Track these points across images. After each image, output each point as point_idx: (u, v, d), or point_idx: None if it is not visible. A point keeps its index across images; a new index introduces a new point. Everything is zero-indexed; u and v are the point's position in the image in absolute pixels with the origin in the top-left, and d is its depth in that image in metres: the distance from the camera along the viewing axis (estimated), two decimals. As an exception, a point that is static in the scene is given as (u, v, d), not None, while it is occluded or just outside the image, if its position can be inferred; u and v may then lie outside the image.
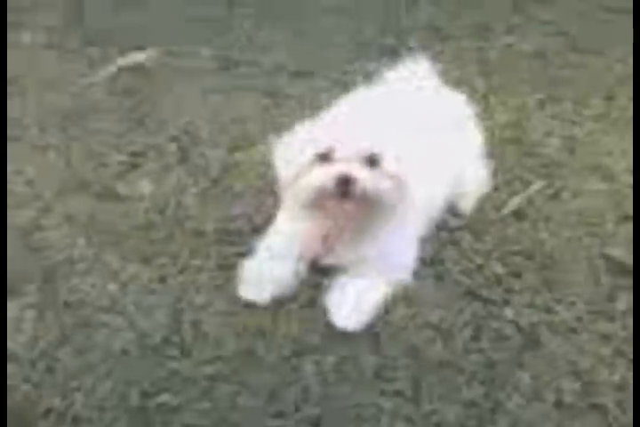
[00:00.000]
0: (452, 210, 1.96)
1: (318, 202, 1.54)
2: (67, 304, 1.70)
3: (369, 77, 2.22)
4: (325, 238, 1.66)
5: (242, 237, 1.92)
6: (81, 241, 1.89)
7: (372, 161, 1.52)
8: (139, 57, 2.60)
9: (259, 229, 1.92)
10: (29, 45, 2.71)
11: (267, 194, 2.03)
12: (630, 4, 2.84)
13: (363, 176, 1.49)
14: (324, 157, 1.52)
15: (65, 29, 2.81)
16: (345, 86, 2.22)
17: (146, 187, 2.09)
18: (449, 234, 1.92)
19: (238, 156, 2.19)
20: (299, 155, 1.54)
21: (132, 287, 1.75)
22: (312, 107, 2.33)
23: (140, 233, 1.92)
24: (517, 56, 2.59)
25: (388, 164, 1.52)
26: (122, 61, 2.56)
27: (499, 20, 2.75)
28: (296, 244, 1.70)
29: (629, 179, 2.07)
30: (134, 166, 2.17)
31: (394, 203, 1.55)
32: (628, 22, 2.76)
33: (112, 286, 1.75)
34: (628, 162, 2.12)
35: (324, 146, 1.52)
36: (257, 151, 2.19)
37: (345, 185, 1.48)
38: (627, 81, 2.46)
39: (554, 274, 1.80)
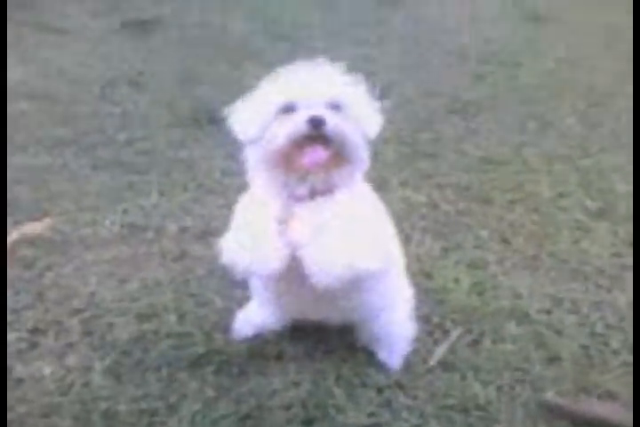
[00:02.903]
0: (378, 366, 1.83)
1: (289, 152, 1.49)
2: None
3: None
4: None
5: (158, 417, 1.69)
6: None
7: (336, 107, 1.51)
8: (36, 228, 2.41)
9: (177, 409, 1.71)
10: None
11: (184, 366, 1.84)
12: (506, 156, 3.03)
13: (332, 118, 1.49)
14: (288, 109, 1.51)
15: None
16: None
17: (46, 367, 1.83)
18: (378, 393, 1.77)
19: (149, 325, 1.99)
20: (261, 111, 1.52)
21: None
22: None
23: (40, 421, 1.64)
24: (414, 207, 2.62)
25: (351, 109, 1.53)
26: (18, 233, 2.37)
27: (392, 174, 2.81)
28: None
29: (545, 318, 2.03)
30: (33, 345, 1.92)
31: (360, 152, 1.55)
32: (506, 171, 2.90)
33: None
34: (539, 303, 2.10)
35: (285, 98, 1.51)
36: (169, 320, 2.01)
37: (317, 126, 1.47)
38: (518, 225, 2.52)
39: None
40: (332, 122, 1.48)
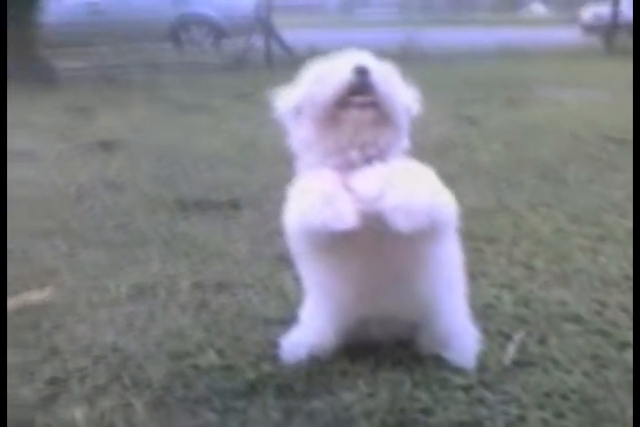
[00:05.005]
0: (452, 369, 1.61)
1: (335, 112, 1.46)
2: None
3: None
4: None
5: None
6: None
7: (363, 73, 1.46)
8: (36, 296, 2.14)
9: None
10: None
11: (238, 394, 1.56)
12: (493, 206, 3.01)
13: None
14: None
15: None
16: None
17: (76, 411, 1.51)
18: (464, 393, 1.53)
19: (186, 362, 1.71)
20: (302, 82, 1.52)
21: None
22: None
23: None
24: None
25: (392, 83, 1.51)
26: (16, 300, 2.08)
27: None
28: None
29: (599, 318, 1.90)
30: (55, 395, 1.59)
31: (402, 117, 1.52)
32: (498, 217, 2.86)
33: None
34: (587, 307, 1.97)
35: (325, 68, 1.50)
36: (208, 355, 1.74)
37: (363, 74, 1.44)
38: (531, 254, 2.43)
39: (600, 406, 1.45)
40: (376, 71, 1.46)
